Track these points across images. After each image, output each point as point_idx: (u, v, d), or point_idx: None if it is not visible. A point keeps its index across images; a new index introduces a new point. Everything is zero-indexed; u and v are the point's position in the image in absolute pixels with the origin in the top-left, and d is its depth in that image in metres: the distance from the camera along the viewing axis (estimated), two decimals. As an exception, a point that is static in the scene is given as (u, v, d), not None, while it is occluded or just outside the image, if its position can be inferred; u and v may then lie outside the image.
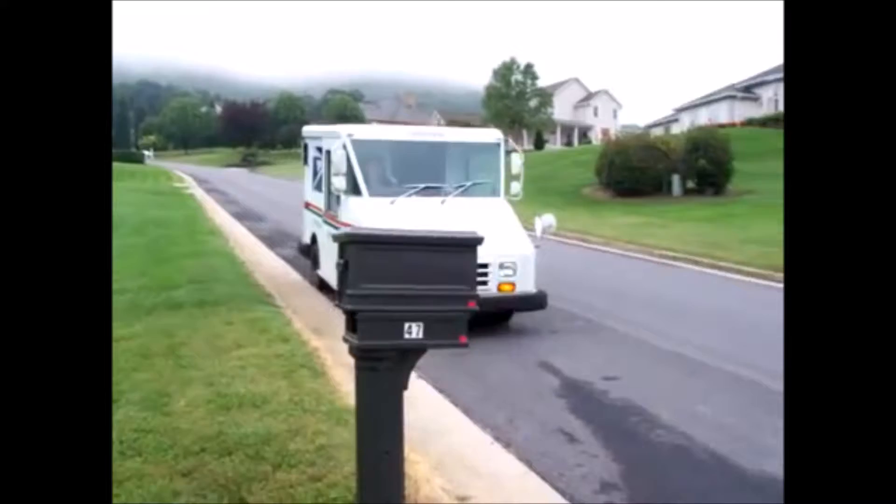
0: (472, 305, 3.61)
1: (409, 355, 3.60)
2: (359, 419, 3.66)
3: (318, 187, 11.49)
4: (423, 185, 9.56)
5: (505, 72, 69.99)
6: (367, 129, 10.16)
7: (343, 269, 3.46)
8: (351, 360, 6.55)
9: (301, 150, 13.14)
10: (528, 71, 70.56)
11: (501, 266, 8.68)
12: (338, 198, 9.79)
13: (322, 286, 11.14)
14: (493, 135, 10.64)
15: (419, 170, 9.89)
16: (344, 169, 9.26)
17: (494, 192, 10.01)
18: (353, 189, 9.43)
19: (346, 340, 3.57)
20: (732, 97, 54.37)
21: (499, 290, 8.72)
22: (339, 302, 3.57)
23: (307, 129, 13.23)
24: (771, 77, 52.08)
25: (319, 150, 11.40)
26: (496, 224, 8.98)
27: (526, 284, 8.91)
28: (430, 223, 7.12)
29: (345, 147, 9.45)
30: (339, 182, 9.28)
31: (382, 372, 3.54)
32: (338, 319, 9.55)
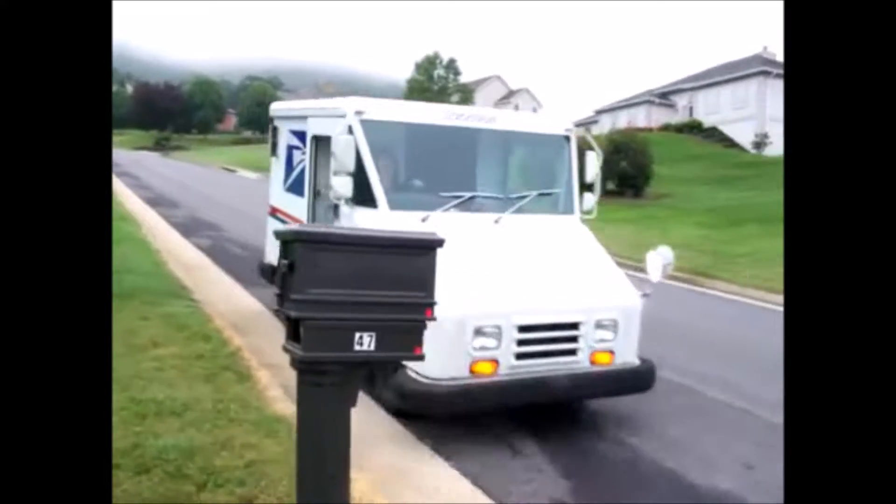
0: (430, 314, 3.29)
1: (359, 369, 3.25)
2: (300, 440, 3.28)
3: (295, 189, 8.17)
4: (467, 195, 6.43)
5: (427, 66, 69.80)
6: (383, 105, 6.62)
7: (287, 271, 3.09)
8: (278, 361, 6.11)
9: (269, 135, 9.42)
10: (451, 66, 70.57)
11: (598, 325, 5.78)
12: (335, 207, 6.52)
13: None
14: (559, 123, 7.36)
15: (460, 170, 6.88)
16: (350, 166, 5.98)
17: (566, 208, 6.99)
18: (364, 197, 6.14)
19: (287, 350, 3.19)
20: (650, 102, 55.58)
21: (592, 361, 5.78)
22: (281, 307, 3.18)
23: (279, 107, 9.60)
24: (686, 85, 53.54)
25: (301, 135, 7.95)
26: (581, 258, 6.40)
27: (627, 352, 5.97)
28: (481, 253, 5.90)
29: (351, 132, 6.19)
30: (342, 185, 6.01)
31: (328, 387, 3.17)
32: (261, 316, 9.40)
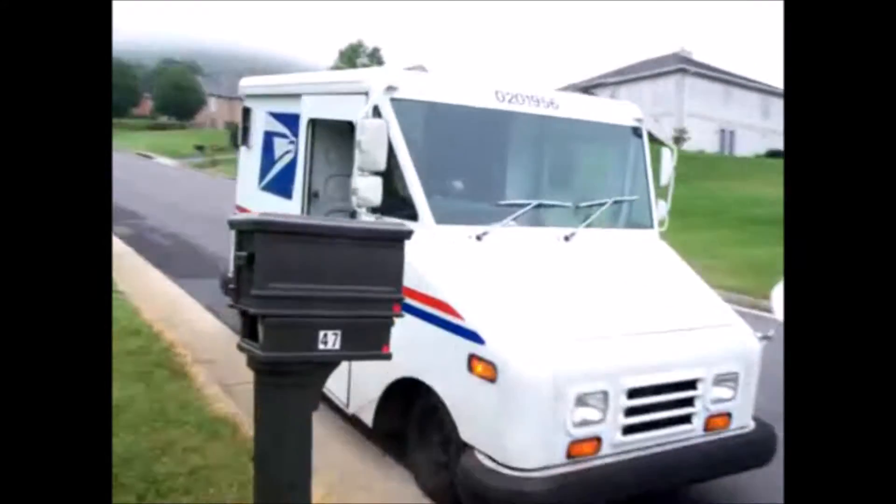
0: (398, 310, 3.11)
1: (322, 369, 3.05)
2: (259, 444, 3.06)
3: (277, 187, 6.30)
4: (530, 204, 4.92)
5: (351, 53, 69.12)
6: (419, 80, 5.05)
7: (245, 264, 2.84)
8: (214, 357, 5.81)
9: (239, 120, 7.55)
10: (375, 55, 70.04)
11: (717, 381, 4.42)
12: (352, 216, 4.91)
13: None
14: (626, 111, 5.81)
15: (518, 170, 5.55)
16: (381, 161, 4.45)
17: (643, 220, 5.54)
18: (395, 204, 4.62)
19: (242, 349, 2.96)
20: (573, 96, 56.21)
21: (707, 427, 4.42)
22: (237, 303, 2.94)
23: (254, 83, 7.29)
24: (609, 80, 54.44)
25: (287, 119, 6.16)
26: (677, 287, 5.02)
27: (744, 413, 4.65)
28: (559, 284, 4.53)
29: (379, 113, 4.62)
30: (370, 188, 4.45)
31: (289, 389, 2.97)
32: (193, 308, 8.96)
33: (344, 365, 3.82)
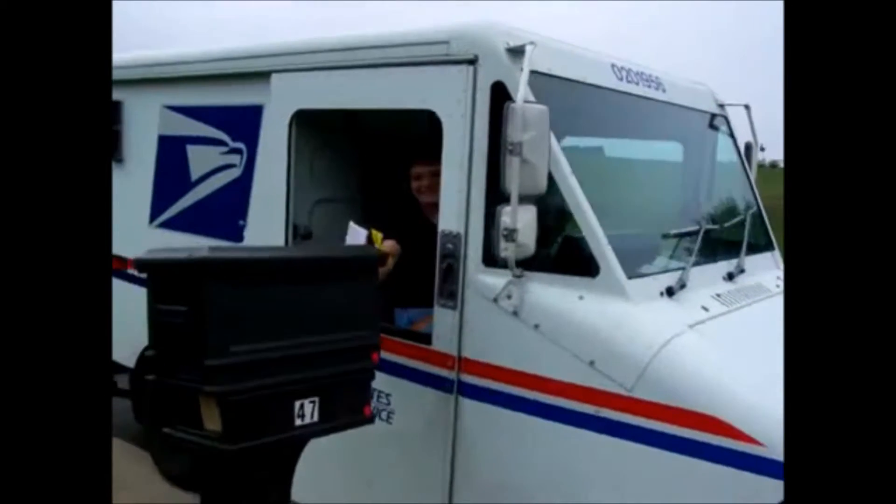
0: (377, 359, 2.63)
1: (299, 450, 2.54)
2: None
3: (202, 224, 4.25)
4: (698, 228, 3.35)
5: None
6: (544, 42, 2.96)
7: (184, 323, 2.21)
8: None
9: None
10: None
11: None
12: (448, 268, 3.03)
13: None
14: (707, 93, 4.31)
15: (649, 178, 4.07)
16: (542, 177, 2.67)
17: (762, 239, 4.24)
18: (562, 253, 3.03)
19: (183, 443, 2.33)
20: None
21: None
22: (175, 380, 2.27)
23: (137, 60, 4.72)
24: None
25: (231, 118, 4.08)
26: None
27: None
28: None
29: (505, 93, 2.82)
30: (529, 226, 2.70)
31: (263, 484, 2.45)
32: None
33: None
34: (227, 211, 4.05)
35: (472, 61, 2.92)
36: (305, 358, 2.36)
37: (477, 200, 2.95)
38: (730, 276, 3.51)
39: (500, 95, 2.86)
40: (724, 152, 4.36)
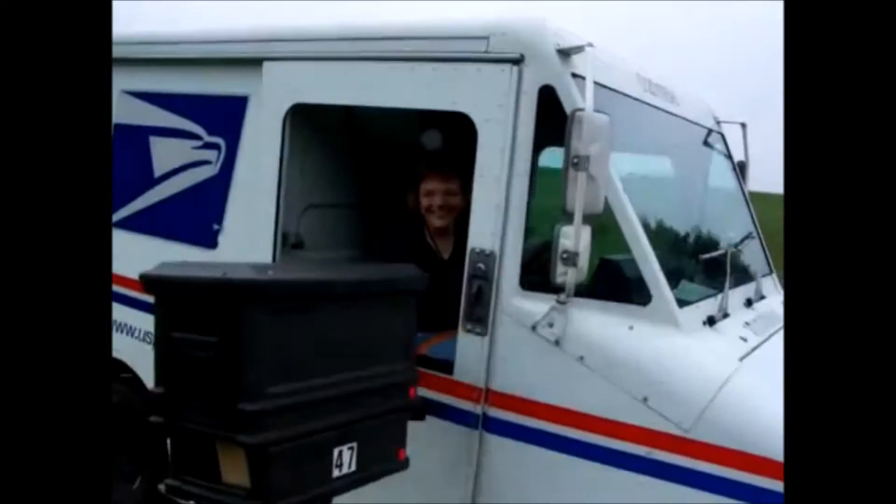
0: (414, 395, 2.32)
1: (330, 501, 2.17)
2: None
3: (167, 226, 3.78)
4: (724, 251, 3.16)
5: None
6: (590, 48, 2.56)
7: (212, 357, 1.86)
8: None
9: None
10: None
11: None
12: (481, 293, 2.69)
13: None
14: (706, 108, 4.12)
15: (676, 198, 3.79)
16: (600, 197, 2.42)
17: (762, 262, 4.12)
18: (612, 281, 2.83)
19: (190, 496, 1.99)
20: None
21: None
22: (204, 423, 1.91)
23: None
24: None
25: (206, 108, 3.60)
26: None
27: None
28: None
29: (554, 98, 2.58)
30: (587, 248, 2.42)
31: None
32: None
33: None
34: (197, 213, 3.59)
35: (517, 61, 2.61)
36: (345, 398, 2.04)
37: (516, 217, 2.66)
38: (749, 303, 3.35)
39: (547, 101, 2.59)
40: (724, 171, 4.22)
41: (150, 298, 3.60)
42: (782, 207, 2.14)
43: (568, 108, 2.51)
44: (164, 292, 1.97)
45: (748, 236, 3.85)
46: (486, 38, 2.67)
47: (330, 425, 1.99)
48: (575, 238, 2.35)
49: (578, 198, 2.33)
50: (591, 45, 2.55)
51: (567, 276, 2.39)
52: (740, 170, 4.33)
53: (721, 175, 4.18)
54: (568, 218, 2.39)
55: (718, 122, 4.22)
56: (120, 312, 3.88)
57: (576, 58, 2.63)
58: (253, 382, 1.82)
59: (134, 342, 3.88)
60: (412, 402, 2.26)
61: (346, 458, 2.03)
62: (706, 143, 4.06)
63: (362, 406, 2.09)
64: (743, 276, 3.51)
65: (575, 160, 2.33)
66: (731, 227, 4.00)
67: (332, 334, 2.04)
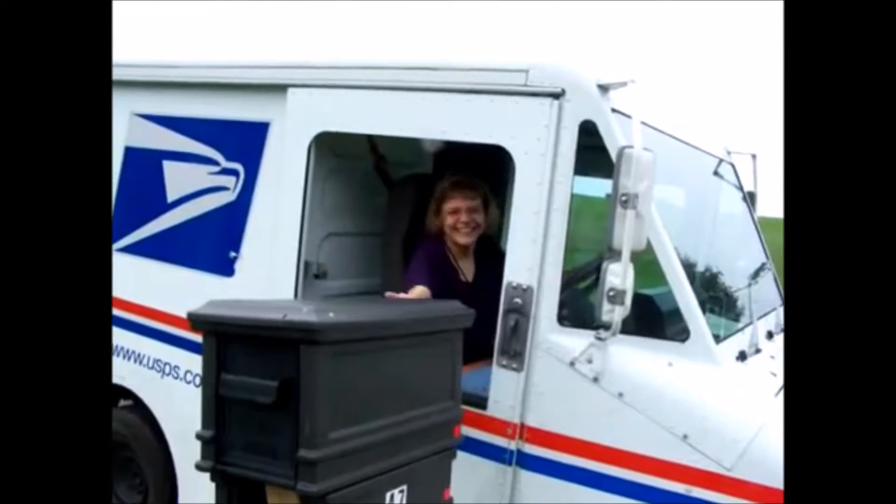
0: (458, 433, 2.28)
1: None
2: None
3: (180, 252, 3.67)
4: (743, 287, 3.57)
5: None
6: (623, 83, 2.60)
7: (269, 401, 1.80)
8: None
9: None
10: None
11: None
12: (517, 328, 2.66)
13: None
14: (717, 139, 4.13)
15: (697, 233, 3.78)
16: (645, 234, 2.41)
17: (773, 293, 4.12)
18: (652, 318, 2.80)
19: None
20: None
21: None
22: (255, 469, 1.87)
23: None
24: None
25: (223, 133, 3.52)
26: None
27: None
28: None
29: (594, 133, 2.60)
30: (630, 286, 2.39)
31: None
32: None
33: None
34: (213, 239, 3.52)
35: (558, 95, 2.61)
36: (397, 440, 2.00)
37: (553, 252, 2.65)
38: (769, 335, 3.34)
39: (587, 136, 2.60)
40: (735, 201, 4.26)
41: (165, 328, 3.66)
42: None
43: (609, 144, 2.53)
44: (216, 332, 1.91)
45: (762, 267, 3.87)
46: (526, 70, 2.65)
47: (383, 469, 1.95)
48: (623, 276, 2.33)
49: (627, 235, 2.32)
50: (633, 80, 2.55)
51: (614, 313, 2.37)
52: (750, 199, 4.38)
53: (732, 205, 4.21)
54: (613, 255, 2.38)
55: (729, 153, 4.25)
56: (127, 339, 3.80)
57: (614, 93, 2.64)
58: (314, 429, 1.76)
59: (142, 369, 3.80)
60: (458, 441, 2.22)
61: (396, 502, 1.98)
62: (716, 173, 4.10)
63: (413, 447, 2.06)
64: (760, 307, 3.53)
65: (623, 198, 2.32)
66: (743, 257, 4.03)
67: (385, 375, 2.00)
